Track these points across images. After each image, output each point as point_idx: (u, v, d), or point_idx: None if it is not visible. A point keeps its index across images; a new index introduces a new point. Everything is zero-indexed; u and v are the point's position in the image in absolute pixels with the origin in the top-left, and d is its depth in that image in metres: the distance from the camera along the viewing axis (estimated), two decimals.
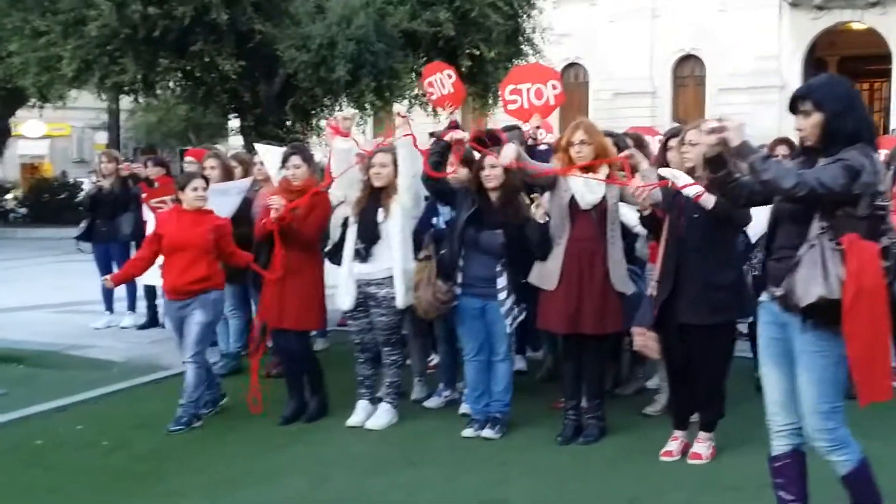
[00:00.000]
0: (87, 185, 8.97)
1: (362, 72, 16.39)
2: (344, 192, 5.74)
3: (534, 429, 5.52)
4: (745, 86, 28.23)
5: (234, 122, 21.67)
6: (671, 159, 5.45)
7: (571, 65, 30.65)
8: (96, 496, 4.67)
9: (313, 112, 19.71)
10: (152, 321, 8.89)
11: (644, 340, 5.16)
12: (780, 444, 3.67)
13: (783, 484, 3.68)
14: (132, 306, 9.13)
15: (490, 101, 18.87)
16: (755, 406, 5.78)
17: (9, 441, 5.58)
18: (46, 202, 23.70)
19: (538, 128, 7.34)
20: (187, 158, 8.17)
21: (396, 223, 5.53)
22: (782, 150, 6.50)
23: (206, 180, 5.96)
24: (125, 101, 23.38)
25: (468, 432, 5.44)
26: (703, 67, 30.65)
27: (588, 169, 5.14)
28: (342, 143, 5.64)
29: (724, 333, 4.95)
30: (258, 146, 7.57)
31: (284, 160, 5.83)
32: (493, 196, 5.40)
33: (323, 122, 20.08)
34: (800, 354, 3.48)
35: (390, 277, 5.54)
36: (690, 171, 4.78)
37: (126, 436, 5.65)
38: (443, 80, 6.67)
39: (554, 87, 7.55)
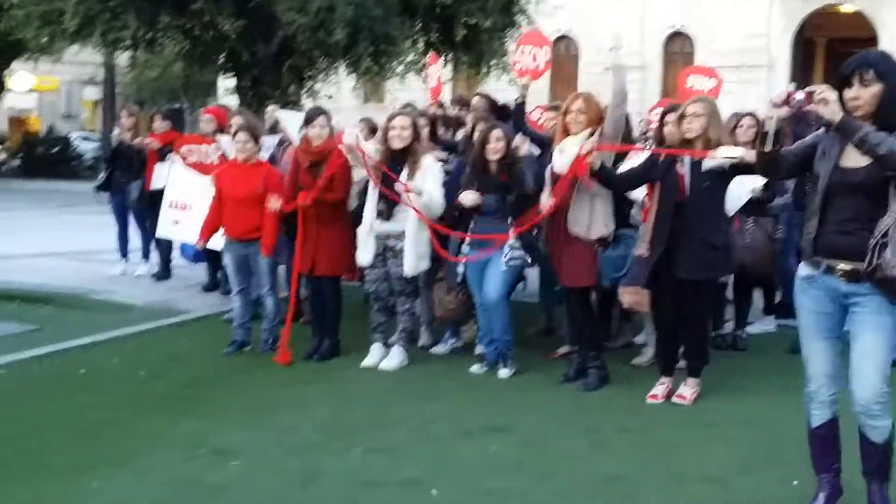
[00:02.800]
0: (114, 137, 9.33)
1: (360, 36, 16.63)
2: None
3: (533, 374, 6.10)
4: (733, 64, 28.69)
5: (226, 82, 21.92)
6: (669, 134, 6.02)
7: (562, 37, 31.01)
8: (147, 416, 5.19)
9: (309, 75, 19.96)
10: (165, 271, 9.33)
11: (635, 298, 5.69)
12: (823, 414, 3.79)
13: (826, 450, 3.84)
14: (146, 255, 9.55)
15: (484, 70, 19.20)
16: (737, 357, 6.50)
17: (53, 370, 6.11)
18: (40, 155, 23.94)
19: (526, 86, 7.83)
20: (206, 116, 8.57)
21: (417, 186, 5.95)
22: (748, 122, 6.86)
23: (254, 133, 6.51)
24: (119, 57, 23.52)
25: (475, 368, 6.08)
26: (692, 44, 31.09)
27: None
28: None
29: (713, 289, 5.52)
30: (280, 111, 8.01)
31: (309, 120, 6.29)
32: (493, 167, 5.91)
33: (318, 86, 20.42)
34: (870, 318, 3.53)
35: None
36: (689, 143, 5.32)
37: (161, 368, 6.19)
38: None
39: (546, 54, 8.06)
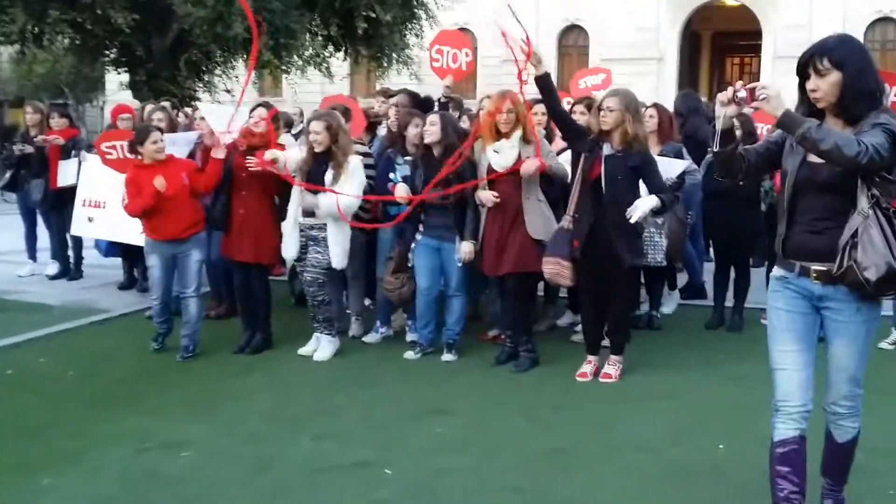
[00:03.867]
0: (16, 150, 9.00)
1: (259, 30, 16.50)
2: None
3: (466, 358, 6.30)
4: (626, 56, 29.68)
5: (116, 77, 21.33)
6: (587, 124, 6.30)
7: (461, 29, 31.34)
8: (87, 415, 5.16)
9: (206, 69, 19.64)
10: (76, 269, 9.14)
11: (556, 269, 5.84)
12: (788, 428, 3.39)
13: (787, 472, 3.37)
14: (56, 255, 9.33)
15: (385, 64, 19.27)
16: (655, 335, 6.85)
17: None
18: None
19: (448, 87, 8.06)
20: (123, 115, 8.43)
21: (341, 187, 6.03)
22: (650, 112, 7.14)
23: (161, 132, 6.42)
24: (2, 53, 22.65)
25: (409, 355, 6.27)
26: (586, 37, 31.91)
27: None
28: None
29: (635, 273, 5.82)
30: (202, 105, 7.97)
31: (252, 111, 6.36)
32: (435, 151, 6.09)
33: (216, 79, 20.11)
34: (844, 325, 3.33)
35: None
36: (606, 134, 5.61)
37: (90, 367, 6.12)
38: (458, 55, 7.30)
39: (467, 55, 8.33)
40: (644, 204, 5.50)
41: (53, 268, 9.20)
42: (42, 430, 4.90)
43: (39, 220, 9.27)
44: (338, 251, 6.14)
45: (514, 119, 5.89)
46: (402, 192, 6.10)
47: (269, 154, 6.09)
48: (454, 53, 8.22)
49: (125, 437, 4.79)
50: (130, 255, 8.43)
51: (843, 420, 3.50)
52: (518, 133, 5.88)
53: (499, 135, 5.90)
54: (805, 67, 3.24)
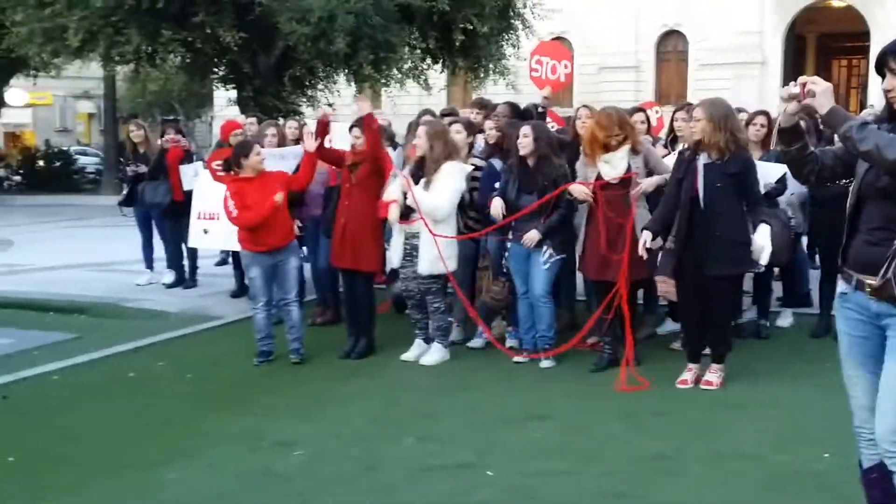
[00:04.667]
0: (129, 171, 9.53)
1: (360, 45, 16.92)
2: None
3: (565, 364, 6.36)
4: (727, 61, 29.11)
5: (223, 93, 22.14)
6: (680, 130, 6.35)
7: (556, 38, 31.38)
8: (204, 415, 5.46)
9: (309, 84, 20.21)
10: (191, 278, 9.57)
11: (666, 287, 5.99)
12: (873, 454, 3.24)
13: (881, 497, 3.23)
14: (171, 265, 9.76)
15: (482, 75, 19.46)
16: (759, 344, 6.77)
17: (103, 374, 6.39)
18: (40, 170, 24.11)
19: (546, 98, 8.14)
20: (236, 131, 8.83)
21: (436, 196, 6.21)
22: (761, 121, 6.98)
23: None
24: (119, 71, 23.74)
25: (519, 359, 6.41)
26: (685, 42, 31.49)
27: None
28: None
29: (736, 282, 5.80)
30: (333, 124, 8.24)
31: (350, 129, 6.59)
32: (529, 162, 6.21)
33: (318, 94, 20.66)
34: (893, 343, 3.07)
35: None
36: (698, 144, 5.63)
37: (206, 370, 6.45)
38: (557, 66, 7.47)
39: (566, 67, 8.44)
40: (765, 241, 5.58)
41: (170, 277, 9.63)
42: (161, 428, 5.21)
43: (155, 231, 9.72)
44: (426, 258, 6.30)
45: (622, 135, 6.00)
46: (497, 208, 6.26)
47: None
48: (553, 65, 8.34)
49: (239, 436, 5.04)
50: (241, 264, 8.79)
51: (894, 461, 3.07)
52: (627, 146, 6.01)
53: (605, 148, 5.98)
54: (881, 67, 3.03)
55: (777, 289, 7.61)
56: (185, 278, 9.54)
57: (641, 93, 29.63)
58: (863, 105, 28.02)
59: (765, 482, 4.32)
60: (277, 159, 7.21)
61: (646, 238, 5.66)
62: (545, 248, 6.18)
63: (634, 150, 6.10)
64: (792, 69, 29.04)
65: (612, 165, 6.05)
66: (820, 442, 4.74)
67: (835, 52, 33.77)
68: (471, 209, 6.73)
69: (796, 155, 3.26)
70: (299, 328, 6.62)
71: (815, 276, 7.68)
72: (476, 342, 6.87)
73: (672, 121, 7.02)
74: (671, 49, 31.92)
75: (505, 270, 6.44)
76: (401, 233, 6.43)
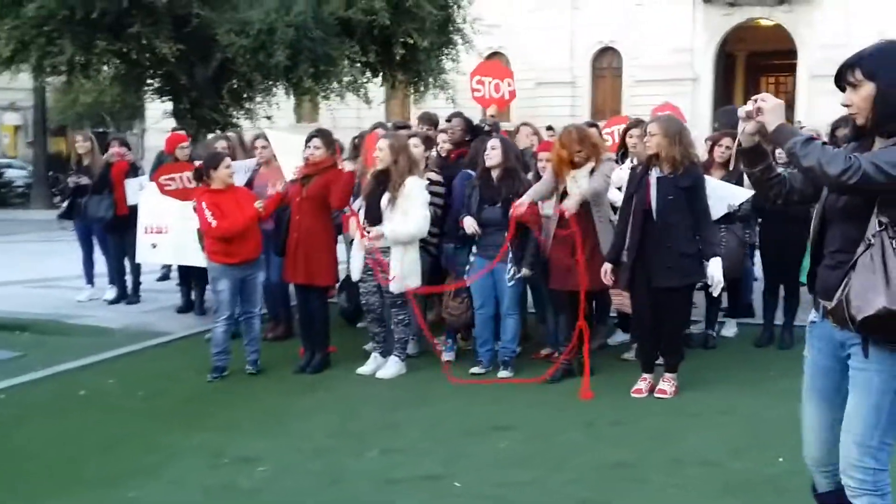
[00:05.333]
0: (70, 182, 9.31)
1: (300, 58, 16.79)
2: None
3: (522, 375, 6.42)
4: (660, 78, 29.81)
5: (156, 105, 21.75)
6: (633, 147, 6.51)
7: (494, 53, 31.67)
8: (160, 431, 5.34)
9: (247, 96, 20.02)
10: (134, 294, 9.35)
11: (622, 299, 6.14)
12: (825, 483, 3.19)
13: None
14: (113, 280, 9.56)
15: (423, 89, 19.51)
16: (707, 353, 6.93)
17: (52, 392, 6.22)
18: None
19: (492, 116, 8.27)
20: (183, 144, 8.71)
21: (399, 211, 6.19)
22: (727, 143, 6.97)
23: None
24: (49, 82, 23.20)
25: (476, 370, 6.44)
26: (620, 59, 32.12)
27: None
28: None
29: (687, 293, 5.94)
30: (269, 132, 8.19)
31: (308, 140, 6.54)
32: (494, 174, 6.26)
33: (258, 107, 20.46)
34: (854, 374, 2.91)
35: None
36: (653, 158, 5.76)
37: (158, 386, 6.32)
38: (500, 84, 7.55)
39: (509, 84, 8.59)
40: (717, 272, 5.74)
41: (111, 292, 9.43)
42: (118, 444, 5.09)
43: (96, 246, 9.52)
44: (397, 275, 6.29)
45: (585, 156, 6.11)
46: (469, 225, 6.32)
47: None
48: (496, 83, 8.50)
49: (199, 451, 4.97)
50: (189, 279, 8.67)
51: (854, 499, 2.94)
52: (591, 164, 6.11)
53: (573, 165, 6.09)
54: (839, 81, 2.92)
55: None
56: (128, 294, 9.35)
57: (577, 108, 30.13)
58: (791, 122, 28.90)
59: (723, 488, 4.42)
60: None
61: (606, 269, 5.87)
62: (509, 265, 6.24)
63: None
64: (723, 86, 29.85)
65: (578, 183, 6.12)
66: (773, 447, 4.87)
67: (763, 69, 34.78)
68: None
69: (760, 176, 3.15)
70: (258, 340, 6.64)
71: (758, 286, 7.92)
72: (447, 355, 6.85)
73: (624, 137, 7.15)
74: (606, 65, 32.53)
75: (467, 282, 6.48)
76: (361, 247, 6.41)
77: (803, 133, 2.88)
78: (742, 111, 3.03)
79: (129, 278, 9.33)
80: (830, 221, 2.99)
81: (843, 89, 2.92)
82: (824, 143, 2.85)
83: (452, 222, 6.62)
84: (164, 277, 10.18)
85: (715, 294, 5.93)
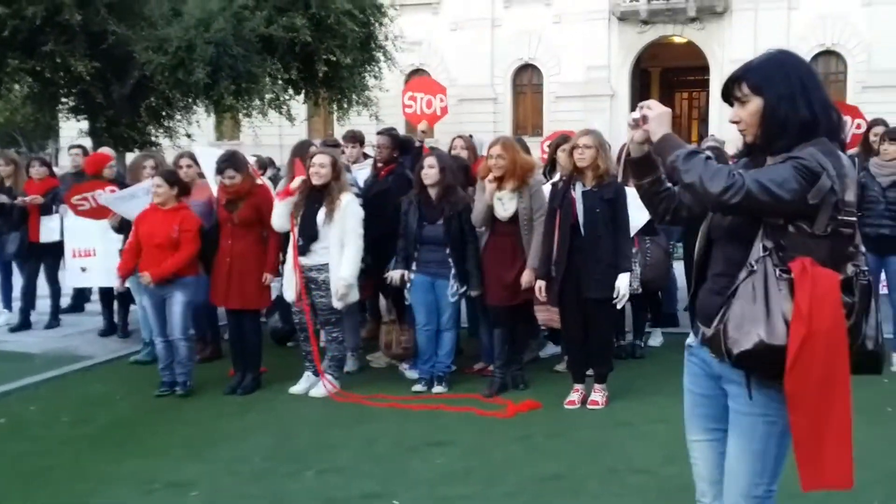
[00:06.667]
0: None
1: (221, 75, 16.63)
2: None
3: (455, 390, 6.44)
4: (579, 94, 30.40)
5: (71, 124, 21.23)
6: (561, 162, 6.59)
7: (416, 70, 31.81)
8: (88, 458, 5.17)
9: (166, 114, 19.70)
10: (25, 323, 8.96)
11: (548, 315, 6.21)
12: None
13: None
14: (8, 305, 9.24)
15: (346, 105, 19.48)
16: (635, 363, 7.04)
17: None
18: None
19: (423, 132, 8.30)
20: (111, 164, 8.48)
21: (336, 227, 6.15)
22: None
23: (177, 179, 6.61)
24: None
25: (418, 387, 6.43)
26: (540, 76, 32.62)
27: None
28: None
29: (614, 305, 6.03)
30: (196, 147, 8.03)
31: (220, 171, 6.37)
32: (432, 192, 6.27)
33: (177, 124, 20.15)
34: (735, 416, 2.69)
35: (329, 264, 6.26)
36: (581, 172, 5.86)
37: (83, 412, 6.12)
38: (432, 101, 7.54)
39: (441, 100, 8.63)
40: (624, 287, 5.84)
41: (2, 318, 9.08)
42: (45, 474, 4.91)
43: (15, 269, 9.21)
44: (338, 293, 6.21)
45: (505, 168, 6.11)
46: (395, 277, 6.44)
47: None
48: (428, 99, 8.52)
49: (129, 478, 4.83)
50: (110, 302, 8.46)
51: None
52: (512, 184, 6.12)
53: (497, 181, 6.12)
54: (727, 95, 2.68)
55: None
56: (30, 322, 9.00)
57: (499, 123, 30.44)
58: (702, 136, 29.75)
59: (657, 495, 4.50)
60: (128, 199, 6.95)
61: (540, 286, 5.95)
62: (452, 281, 6.26)
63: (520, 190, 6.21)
64: (639, 101, 30.50)
65: (504, 203, 6.18)
66: None
67: (677, 85, 35.72)
68: None
69: (649, 189, 2.89)
70: (185, 363, 6.52)
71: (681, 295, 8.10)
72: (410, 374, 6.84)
73: (554, 152, 7.21)
74: (527, 82, 33.03)
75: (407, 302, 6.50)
76: (294, 268, 6.32)
77: (687, 146, 2.61)
78: (630, 118, 2.79)
79: (48, 301, 9.03)
80: (715, 241, 2.75)
81: (731, 104, 2.69)
82: (708, 158, 2.56)
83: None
84: (74, 309, 9.81)
85: (619, 307, 5.98)
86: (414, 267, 6.40)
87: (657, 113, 2.70)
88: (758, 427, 2.62)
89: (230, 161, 6.43)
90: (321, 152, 6.29)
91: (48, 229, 8.56)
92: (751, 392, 2.57)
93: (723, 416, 2.77)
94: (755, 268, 2.50)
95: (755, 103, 2.59)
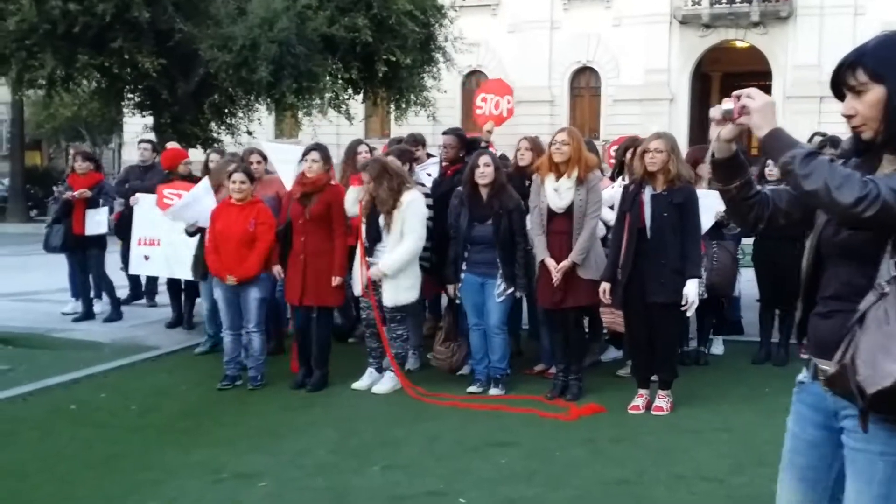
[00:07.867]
0: (58, 194, 9.21)
1: (283, 73, 16.88)
2: None
3: (516, 392, 6.41)
4: (637, 97, 30.10)
5: (135, 119, 21.63)
6: (631, 166, 6.52)
7: (474, 72, 31.80)
8: (156, 447, 5.26)
9: (229, 112, 20.01)
10: (89, 313, 9.14)
11: (612, 318, 6.16)
12: None
13: None
14: (76, 294, 9.38)
15: (404, 106, 19.60)
16: (699, 370, 6.96)
17: (42, 407, 6.10)
18: None
19: (490, 132, 8.30)
20: (185, 160, 8.63)
21: (395, 231, 6.22)
22: None
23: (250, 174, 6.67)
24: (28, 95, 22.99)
25: (473, 388, 6.37)
26: (598, 79, 32.39)
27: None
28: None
29: (680, 310, 5.97)
30: (266, 144, 8.15)
31: (305, 155, 6.51)
32: (483, 191, 6.26)
33: (239, 122, 20.43)
34: (854, 455, 2.26)
35: None
36: (651, 176, 5.79)
37: (150, 402, 6.23)
38: (500, 102, 7.58)
39: (508, 102, 8.66)
40: (693, 294, 5.75)
41: (71, 306, 9.28)
42: (113, 462, 4.99)
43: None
44: (391, 290, 6.28)
45: (569, 154, 6.05)
46: (451, 292, 6.54)
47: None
48: (497, 101, 8.57)
49: (197, 467, 4.89)
50: (179, 293, 8.59)
51: None
52: (575, 173, 6.05)
53: (557, 171, 6.06)
54: (837, 86, 2.29)
55: None
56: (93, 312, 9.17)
57: (556, 126, 30.02)
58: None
59: (726, 503, 4.42)
60: (192, 205, 7.04)
61: (604, 288, 5.90)
62: (499, 281, 6.24)
63: (580, 180, 6.13)
64: (698, 106, 30.15)
65: (560, 194, 6.10)
66: (773, 464, 4.73)
67: (738, 89, 35.19)
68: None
69: (736, 195, 2.42)
70: (258, 357, 6.64)
71: (746, 303, 7.98)
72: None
73: (624, 154, 7.14)
74: (584, 85, 32.79)
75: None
76: (363, 262, 6.38)
77: (804, 145, 2.19)
78: (716, 111, 2.35)
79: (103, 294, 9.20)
80: (829, 258, 2.35)
81: (840, 97, 2.29)
82: (832, 159, 2.20)
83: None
84: (133, 299, 9.96)
85: (689, 314, 5.90)
86: (464, 266, 6.38)
87: (761, 103, 2.26)
88: (877, 467, 2.20)
89: (318, 148, 6.57)
90: (363, 167, 6.32)
91: (94, 222, 8.72)
92: (866, 424, 2.12)
93: (830, 466, 2.38)
94: (887, 291, 2.11)
95: (875, 92, 2.19)
